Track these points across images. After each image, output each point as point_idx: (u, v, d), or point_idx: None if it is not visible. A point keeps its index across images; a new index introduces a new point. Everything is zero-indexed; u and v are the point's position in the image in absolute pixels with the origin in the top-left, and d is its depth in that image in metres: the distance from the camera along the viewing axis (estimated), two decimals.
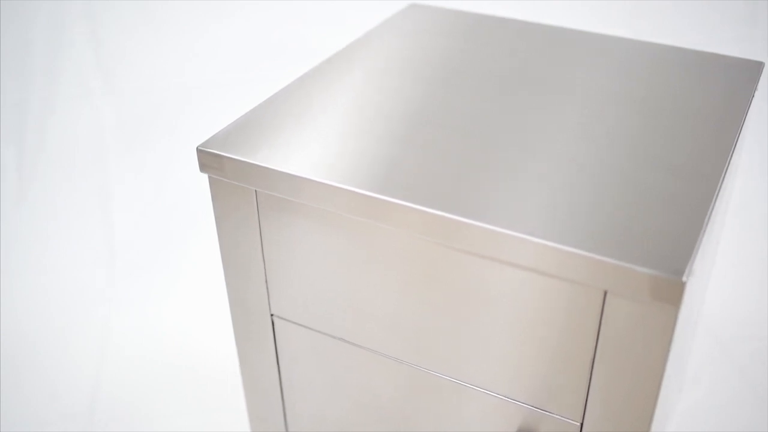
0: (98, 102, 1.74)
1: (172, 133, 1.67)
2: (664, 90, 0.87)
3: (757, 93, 0.91)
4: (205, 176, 0.80)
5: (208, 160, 0.78)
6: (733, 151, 0.76)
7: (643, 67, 0.92)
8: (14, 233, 1.67)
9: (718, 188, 0.69)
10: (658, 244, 0.62)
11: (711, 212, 0.67)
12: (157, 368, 1.38)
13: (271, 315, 0.87)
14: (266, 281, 0.84)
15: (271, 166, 0.74)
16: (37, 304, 1.53)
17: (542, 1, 1.76)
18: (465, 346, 0.75)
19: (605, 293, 0.64)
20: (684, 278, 0.59)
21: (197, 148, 0.78)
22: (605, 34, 1.01)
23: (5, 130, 1.71)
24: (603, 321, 0.66)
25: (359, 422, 0.91)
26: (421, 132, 0.79)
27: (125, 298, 1.55)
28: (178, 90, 1.74)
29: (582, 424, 0.72)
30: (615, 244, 0.63)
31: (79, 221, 1.69)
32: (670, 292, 0.60)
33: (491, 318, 0.72)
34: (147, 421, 1.27)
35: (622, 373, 0.67)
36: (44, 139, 1.72)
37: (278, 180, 0.75)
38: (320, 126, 0.81)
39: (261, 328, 0.89)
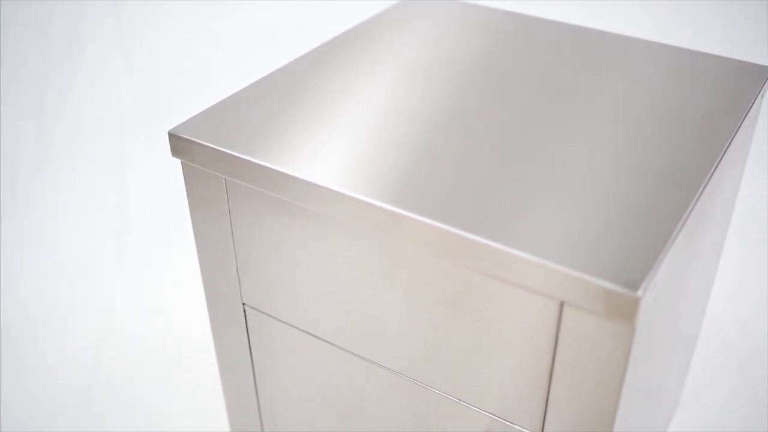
0: (117, 80, 1.75)
1: (187, 113, 1.67)
2: (662, 93, 0.83)
3: (763, 98, 0.87)
4: None
5: (178, 145, 0.77)
6: (720, 160, 0.72)
7: (646, 69, 0.88)
8: (30, 206, 1.69)
9: (694, 199, 0.66)
10: (618, 256, 0.59)
11: (683, 224, 0.63)
12: (159, 351, 1.37)
13: (243, 304, 0.86)
14: (237, 269, 0.83)
15: (238, 154, 0.73)
16: (46, 277, 1.56)
17: None
18: (427, 349, 0.73)
19: (562, 304, 0.61)
20: (639, 293, 0.56)
21: (168, 132, 0.77)
22: (609, 32, 0.97)
23: (25, 103, 1.73)
24: (560, 332, 0.63)
25: (325, 417, 0.89)
26: (401, 126, 0.77)
27: (134, 276, 1.56)
28: (196, 72, 1.74)
29: None
30: (573, 253, 0.60)
31: (93, 196, 1.71)
32: (624, 306, 0.57)
33: (452, 321, 0.69)
34: (143, 405, 1.27)
35: (579, 387, 0.64)
36: (63, 113, 1.74)
37: (246, 168, 0.73)
38: (299, 116, 0.79)
39: (233, 317, 0.88)
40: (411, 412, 0.80)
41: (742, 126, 0.78)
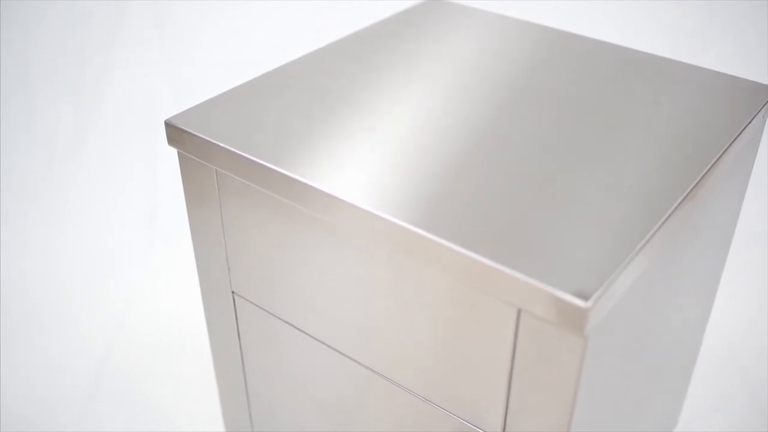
0: (153, 70, 1.79)
1: None
2: (661, 107, 0.82)
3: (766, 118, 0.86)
4: None
5: (173, 134, 0.80)
6: (702, 178, 0.71)
7: (651, 83, 0.87)
8: (65, 189, 1.74)
9: (664, 216, 0.65)
10: (576, 267, 0.60)
11: (647, 240, 0.63)
12: (172, 345, 1.39)
13: (233, 292, 0.88)
14: (227, 258, 0.85)
15: (225, 146, 0.75)
16: (71, 260, 1.60)
17: (567, 7, 1.71)
18: (400, 348, 0.74)
19: (519, 311, 0.62)
20: (588, 304, 0.56)
21: (165, 121, 0.80)
22: (623, 46, 0.96)
23: (64, 89, 1.78)
24: (517, 339, 0.63)
25: (304, 409, 0.91)
26: (396, 128, 0.78)
27: (158, 266, 1.59)
28: (232, 64, 1.77)
29: None
30: (531, 262, 0.60)
31: (124, 182, 1.75)
32: (574, 316, 0.57)
33: (422, 323, 0.70)
34: (149, 399, 1.28)
35: (535, 395, 0.65)
36: (100, 99, 1.79)
37: (233, 161, 0.75)
38: (296, 113, 0.81)
39: (223, 304, 0.90)
40: (387, 411, 0.81)
41: (735, 144, 0.77)
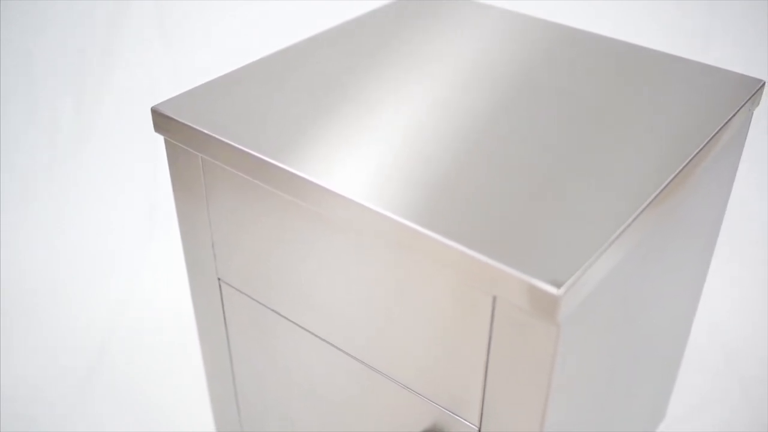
0: (154, 70, 1.80)
1: None
2: (650, 101, 0.82)
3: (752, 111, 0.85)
4: None
5: (159, 121, 0.80)
6: (681, 170, 0.70)
7: (636, 76, 0.87)
8: (65, 189, 1.74)
9: (641, 207, 0.65)
10: (552, 256, 0.59)
11: (623, 230, 0.62)
12: (171, 344, 1.39)
13: (218, 279, 0.88)
14: (213, 245, 0.86)
15: (210, 133, 0.75)
16: (71, 260, 1.60)
17: (566, 7, 1.71)
18: (381, 336, 0.74)
19: (494, 298, 0.62)
20: (560, 291, 0.56)
21: (151, 108, 0.80)
22: (614, 39, 0.96)
23: (65, 89, 1.79)
24: (493, 327, 0.63)
25: (287, 395, 0.91)
26: (384, 118, 0.78)
27: (157, 266, 1.59)
28: (231, 65, 1.77)
29: (479, 429, 0.70)
30: (507, 249, 0.60)
31: (125, 183, 1.76)
32: (546, 304, 0.57)
33: (403, 310, 0.70)
34: (147, 398, 1.28)
35: (510, 382, 0.64)
36: (100, 100, 1.80)
37: (217, 148, 0.75)
38: (283, 101, 0.81)
39: (209, 291, 0.90)
40: (370, 400, 0.81)
41: (719, 137, 0.77)
